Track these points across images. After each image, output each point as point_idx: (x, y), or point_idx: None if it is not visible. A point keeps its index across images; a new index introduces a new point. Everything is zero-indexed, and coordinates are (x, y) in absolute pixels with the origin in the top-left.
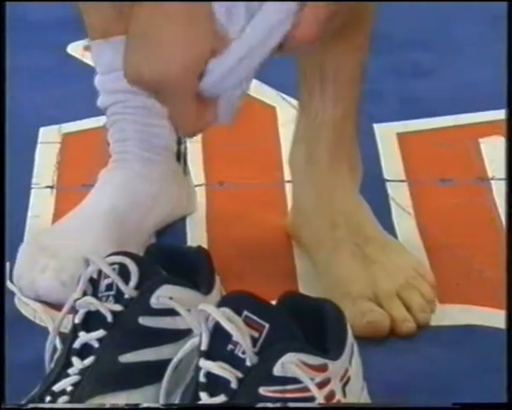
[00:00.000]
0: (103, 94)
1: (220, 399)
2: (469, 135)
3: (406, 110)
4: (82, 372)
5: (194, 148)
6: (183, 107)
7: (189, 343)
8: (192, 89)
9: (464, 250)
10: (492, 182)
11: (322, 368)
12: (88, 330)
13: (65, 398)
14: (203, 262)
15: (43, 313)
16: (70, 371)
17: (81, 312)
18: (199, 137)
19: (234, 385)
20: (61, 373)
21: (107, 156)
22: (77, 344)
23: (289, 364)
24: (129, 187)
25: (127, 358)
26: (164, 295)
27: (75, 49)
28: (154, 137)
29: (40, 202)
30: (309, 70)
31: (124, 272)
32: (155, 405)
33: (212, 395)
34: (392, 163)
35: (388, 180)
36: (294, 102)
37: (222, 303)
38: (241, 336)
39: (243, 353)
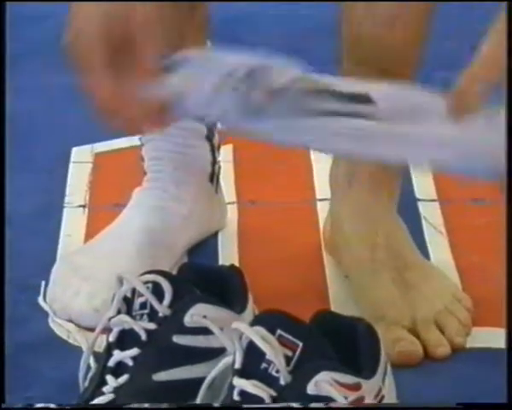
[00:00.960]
0: None
1: None
2: None
3: None
4: (116, 391)
5: (226, 166)
6: (95, 76)
7: (223, 362)
8: (104, 57)
9: (497, 270)
10: None
11: (356, 387)
12: (122, 349)
13: None
14: (236, 281)
15: (77, 333)
16: (104, 389)
17: (115, 330)
18: (231, 156)
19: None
20: (96, 392)
21: (138, 176)
22: (111, 363)
23: (323, 382)
24: (161, 208)
25: (161, 376)
26: (197, 314)
27: None
28: (189, 158)
29: (72, 221)
30: None
31: (157, 291)
32: None
33: None
34: (423, 182)
35: (420, 200)
36: None
37: (255, 322)
38: (274, 354)
39: (277, 371)
